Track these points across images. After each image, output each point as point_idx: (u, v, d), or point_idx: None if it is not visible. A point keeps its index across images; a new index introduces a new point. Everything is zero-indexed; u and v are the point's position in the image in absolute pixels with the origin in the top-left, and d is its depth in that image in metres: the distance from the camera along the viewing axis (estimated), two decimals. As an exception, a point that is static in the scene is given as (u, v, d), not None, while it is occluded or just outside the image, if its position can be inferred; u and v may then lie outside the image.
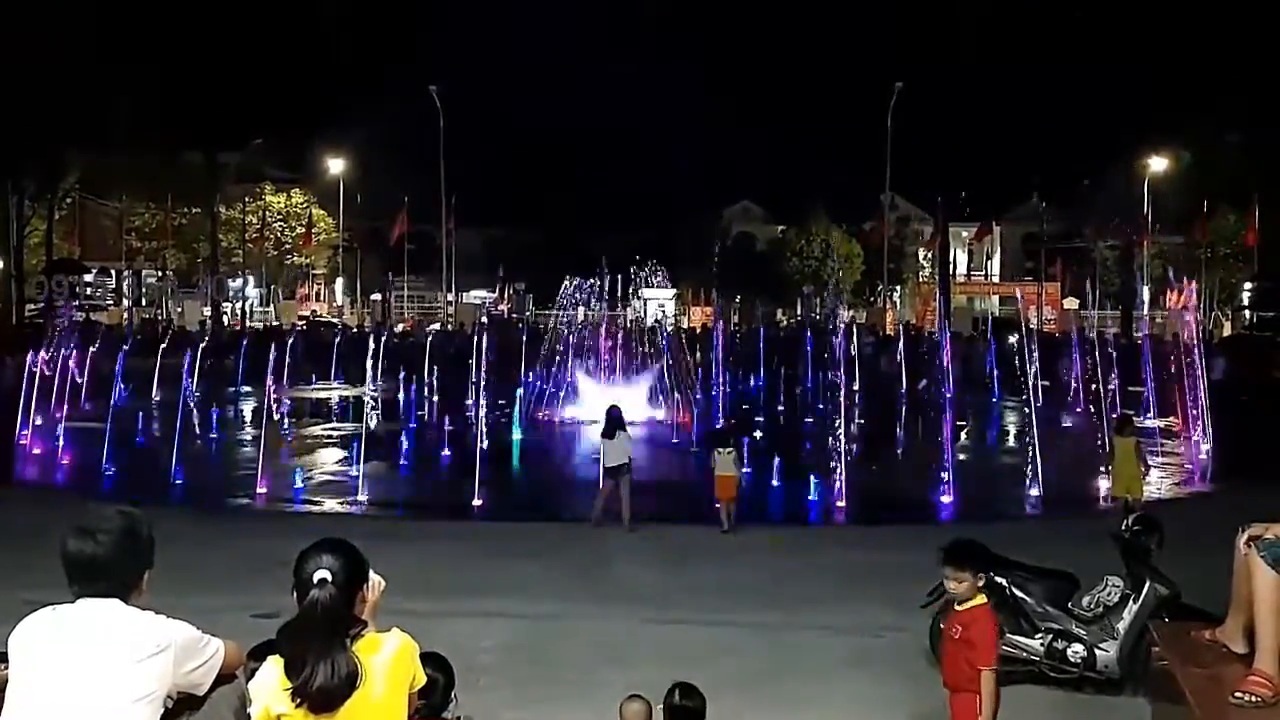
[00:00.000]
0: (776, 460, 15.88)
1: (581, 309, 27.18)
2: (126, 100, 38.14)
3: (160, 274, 50.66)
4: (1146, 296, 52.51)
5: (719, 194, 74.55)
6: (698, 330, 36.90)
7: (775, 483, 15.27)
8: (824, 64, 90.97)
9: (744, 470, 14.09)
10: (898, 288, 63.51)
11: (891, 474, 17.23)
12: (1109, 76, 49.11)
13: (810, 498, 14.41)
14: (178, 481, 15.34)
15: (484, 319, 34.39)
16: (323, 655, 2.89)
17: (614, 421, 13.02)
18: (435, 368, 25.79)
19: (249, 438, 20.39)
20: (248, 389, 27.44)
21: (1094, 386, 21.25)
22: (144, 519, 3.20)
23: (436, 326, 43.81)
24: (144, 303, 49.50)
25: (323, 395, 27.98)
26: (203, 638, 3.13)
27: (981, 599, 5.31)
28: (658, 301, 27.88)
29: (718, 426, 15.96)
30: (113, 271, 49.02)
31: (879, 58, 62.80)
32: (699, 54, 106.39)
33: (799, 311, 62.50)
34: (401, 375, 25.06)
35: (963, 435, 20.81)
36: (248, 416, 23.63)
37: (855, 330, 31.79)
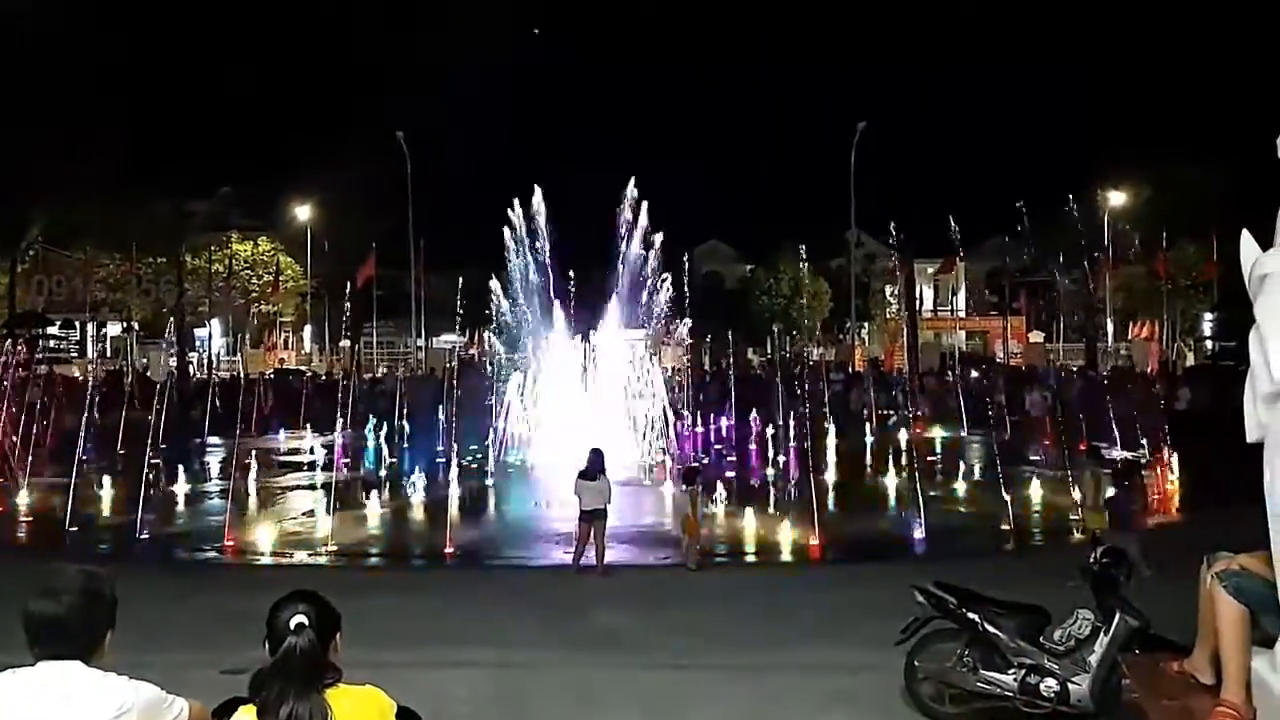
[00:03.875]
0: (747, 500, 15.87)
1: (551, 350, 27.15)
2: (93, 151, 37.95)
3: (125, 325, 50.17)
4: (1111, 328, 53.21)
5: (687, 233, 75.14)
6: (668, 370, 36.92)
7: (746, 522, 15.24)
8: (790, 104, 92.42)
9: (703, 510, 14.08)
10: (866, 324, 64.04)
11: (861, 511, 17.23)
12: (1070, 111, 50.14)
13: (782, 537, 14.39)
14: (143, 536, 15.10)
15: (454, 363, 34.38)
16: (299, 700, 2.89)
17: (595, 464, 12.88)
18: (405, 413, 25.65)
19: (216, 489, 20.13)
20: (215, 440, 27.19)
21: (1060, 418, 21.48)
22: (107, 578, 3.17)
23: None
24: (108, 354, 48.93)
25: (292, 444, 27.72)
26: (166, 698, 3.09)
27: None
28: (629, 342, 27.92)
29: (680, 466, 15.94)
30: (76, 324, 48.46)
31: (844, 97, 63.89)
32: (667, 95, 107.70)
33: (769, 350, 62.79)
34: (371, 422, 24.90)
35: (932, 470, 20.92)
36: (214, 468, 23.32)
37: (825, 367, 31.88)
